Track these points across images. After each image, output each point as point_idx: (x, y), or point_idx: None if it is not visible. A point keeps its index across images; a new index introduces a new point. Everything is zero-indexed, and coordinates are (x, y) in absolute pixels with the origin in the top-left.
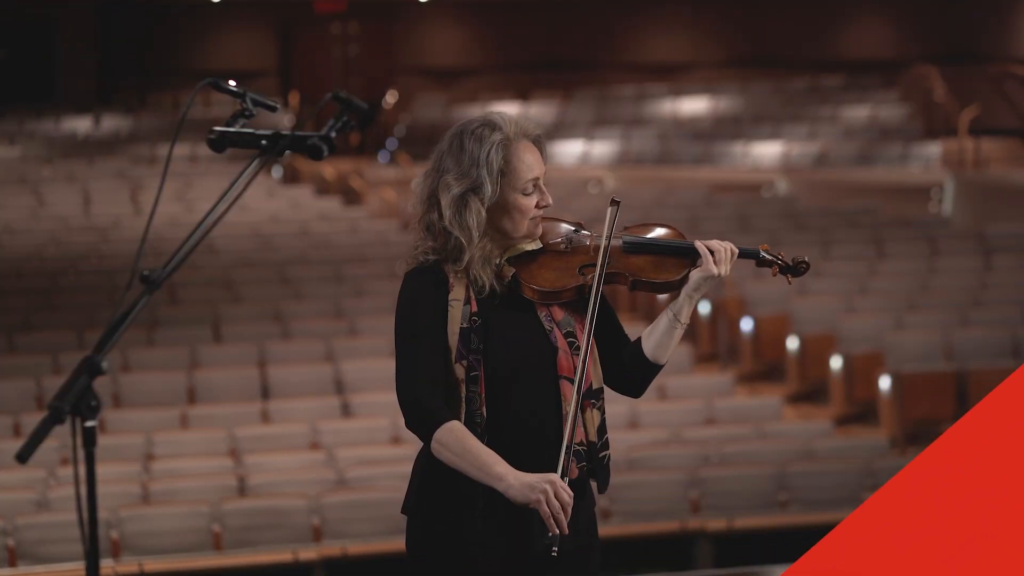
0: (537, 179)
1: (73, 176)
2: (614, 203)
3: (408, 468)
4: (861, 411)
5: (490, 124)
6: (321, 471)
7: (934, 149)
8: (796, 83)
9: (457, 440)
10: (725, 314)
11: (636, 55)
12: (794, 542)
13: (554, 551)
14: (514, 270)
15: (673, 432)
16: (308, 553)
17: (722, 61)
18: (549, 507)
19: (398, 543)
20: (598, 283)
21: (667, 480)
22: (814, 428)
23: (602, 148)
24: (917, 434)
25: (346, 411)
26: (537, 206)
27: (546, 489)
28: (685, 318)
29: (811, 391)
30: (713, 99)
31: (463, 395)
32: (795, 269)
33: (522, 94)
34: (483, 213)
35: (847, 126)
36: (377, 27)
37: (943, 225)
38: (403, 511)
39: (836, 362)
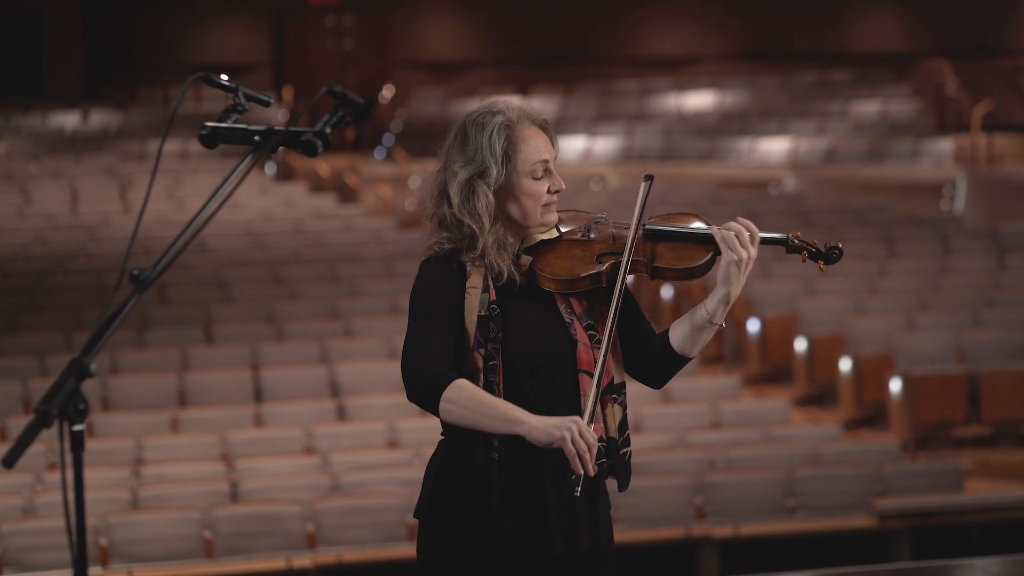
0: (547, 162)
1: (60, 173)
2: (647, 178)
3: (404, 473)
4: (871, 414)
5: (491, 110)
6: (316, 476)
7: (946, 145)
8: (804, 77)
9: (469, 394)
10: (731, 315)
11: (639, 48)
12: (802, 549)
13: (577, 491)
14: (531, 259)
15: (677, 436)
16: (302, 561)
17: (728, 54)
18: (574, 446)
19: (395, 550)
20: (628, 256)
21: (671, 485)
22: (822, 432)
23: (604, 144)
24: (928, 438)
25: (341, 414)
26: (548, 191)
27: (571, 427)
28: (719, 318)
29: (819, 394)
30: (719, 93)
31: (480, 385)
32: (827, 256)
33: (522, 88)
34: (491, 197)
35: (856, 121)
36: (373, 19)
37: (955, 223)
38: (415, 516)
39: (845, 364)
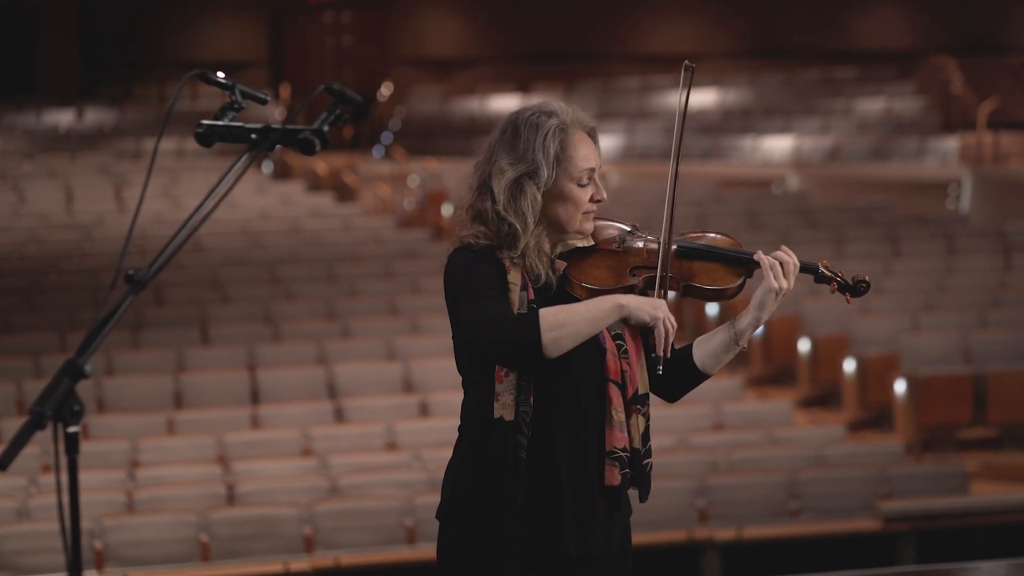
0: (593, 170)
1: (55, 172)
2: (687, 68)
3: (403, 475)
4: (875, 416)
5: (546, 112)
6: (313, 478)
7: (951, 143)
8: (808, 74)
9: (560, 314)
10: (734, 315)
11: (641, 45)
12: (806, 552)
13: (660, 371)
14: (565, 264)
15: (680, 438)
16: (299, 564)
17: (731, 52)
18: (665, 327)
19: (393, 553)
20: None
21: (674, 488)
22: (826, 434)
23: (606, 142)
24: (933, 439)
25: (339, 416)
26: (591, 199)
27: (663, 308)
28: (745, 341)
29: (823, 395)
30: (721, 91)
31: (515, 382)
32: (855, 288)
33: (522, 86)
34: (539, 198)
35: (861, 119)
36: (371, 16)
37: (960, 222)
38: (437, 517)
39: (849, 365)
